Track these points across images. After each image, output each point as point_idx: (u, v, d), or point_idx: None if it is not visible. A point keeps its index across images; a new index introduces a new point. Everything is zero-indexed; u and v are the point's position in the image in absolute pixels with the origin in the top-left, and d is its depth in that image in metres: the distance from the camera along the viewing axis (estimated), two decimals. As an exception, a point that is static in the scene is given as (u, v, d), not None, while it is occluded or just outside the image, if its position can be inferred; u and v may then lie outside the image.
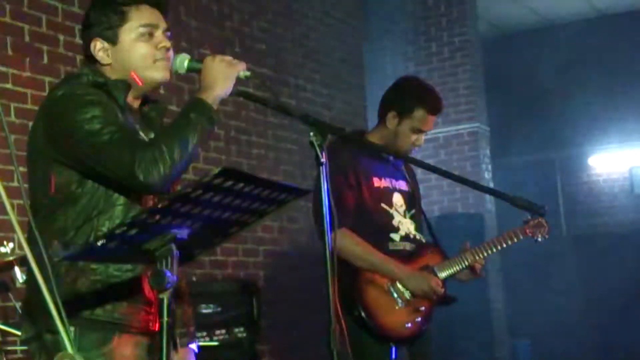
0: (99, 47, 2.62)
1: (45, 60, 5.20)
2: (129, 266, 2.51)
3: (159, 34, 2.64)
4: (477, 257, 4.04)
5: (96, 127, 2.41)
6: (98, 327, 2.48)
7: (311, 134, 2.52)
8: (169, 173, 2.38)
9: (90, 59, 2.65)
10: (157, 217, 2.05)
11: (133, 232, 2.06)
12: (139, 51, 2.61)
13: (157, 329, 2.55)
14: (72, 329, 2.11)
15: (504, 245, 4.11)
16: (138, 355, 2.55)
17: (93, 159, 2.43)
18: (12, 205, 1.91)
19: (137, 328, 2.55)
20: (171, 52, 2.66)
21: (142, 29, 2.62)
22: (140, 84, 2.63)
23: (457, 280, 4.14)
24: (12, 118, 4.89)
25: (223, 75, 2.54)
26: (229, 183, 2.05)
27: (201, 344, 5.02)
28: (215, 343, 5.20)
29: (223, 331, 5.28)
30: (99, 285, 2.48)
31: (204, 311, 5.22)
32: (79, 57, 4.93)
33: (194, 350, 2.85)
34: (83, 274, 2.46)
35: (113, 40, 2.62)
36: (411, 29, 10.00)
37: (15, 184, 4.56)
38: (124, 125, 2.48)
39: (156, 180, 2.36)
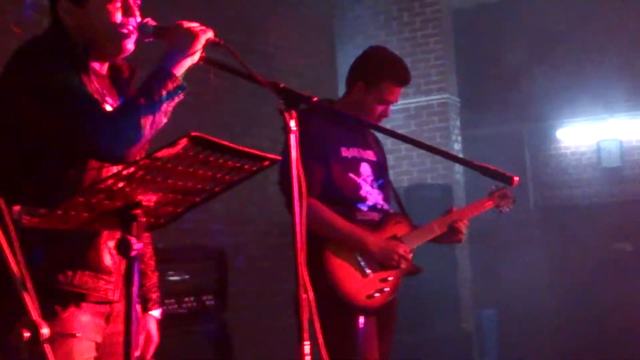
0: (63, 7, 2.53)
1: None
2: (87, 235, 2.47)
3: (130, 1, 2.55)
4: (444, 229, 4.05)
5: (59, 95, 2.35)
6: (55, 295, 2.42)
7: (280, 102, 2.50)
8: (131, 144, 2.34)
9: (57, 21, 2.55)
10: (123, 183, 2.02)
11: (98, 198, 2.04)
12: (106, 17, 2.51)
13: (116, 298, 2.54)
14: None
15: (469, 216, 4.12)
16: (96, 324, 2.52)
17: (55, 129, 2.36)
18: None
19: (95, 297, 2.51)
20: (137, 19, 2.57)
21: None
22: (103, 52, 2.56)
23: (436, 242, 4.14)
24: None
25: (190, 43, 2.48)
26: (196, 150, 2.03)
27: (169, 312, 5.08)
28: (184, 311, 5.19)
29: (191, 299, 5.27)
30: (56, 254, 2.43)
31: (172, 279, 5.21)
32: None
33: (155, 317, 2.83)
34: (41, 242, 2.38)
35: (78, 2, 2.51)
36: (383, -2, 9.97)
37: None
38: (87, 94, 2.41)
39: (118, 152, 2.33)
